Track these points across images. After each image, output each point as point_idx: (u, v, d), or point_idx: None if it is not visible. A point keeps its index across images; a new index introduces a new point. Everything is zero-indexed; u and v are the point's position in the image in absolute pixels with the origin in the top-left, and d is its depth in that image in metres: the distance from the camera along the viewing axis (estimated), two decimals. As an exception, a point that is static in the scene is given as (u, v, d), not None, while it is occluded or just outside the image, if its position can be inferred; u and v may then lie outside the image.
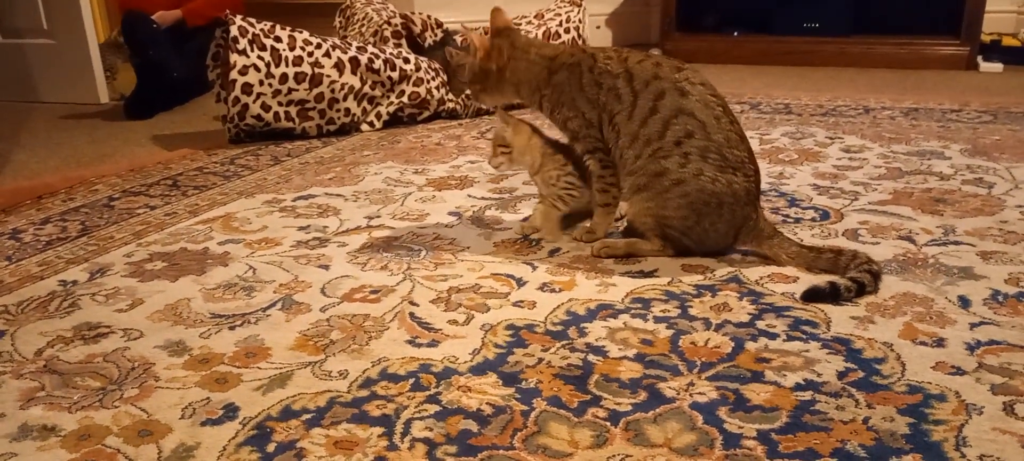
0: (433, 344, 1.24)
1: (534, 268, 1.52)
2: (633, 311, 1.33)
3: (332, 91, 2.68)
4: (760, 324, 1.27)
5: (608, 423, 1.02)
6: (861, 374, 1.11)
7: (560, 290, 1.42)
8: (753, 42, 4.21)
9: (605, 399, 1.07)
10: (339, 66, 2.68)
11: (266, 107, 2.59)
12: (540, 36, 3.11)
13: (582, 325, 1.28)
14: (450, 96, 2.91)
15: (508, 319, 1.31)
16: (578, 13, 3.30)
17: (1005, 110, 2.83)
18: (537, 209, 1.73)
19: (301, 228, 1.79)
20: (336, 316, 1.34)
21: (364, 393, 1.10)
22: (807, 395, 1.06)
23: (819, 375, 1.11)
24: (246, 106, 2.56)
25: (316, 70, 2.63)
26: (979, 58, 3.80)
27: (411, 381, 1.13)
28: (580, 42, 3.28)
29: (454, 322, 1.31)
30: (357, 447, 0.98)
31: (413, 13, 3.25)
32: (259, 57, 2.55)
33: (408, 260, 1.58)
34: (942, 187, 1.95)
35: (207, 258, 1.62)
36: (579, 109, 1.55)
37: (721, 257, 1.53)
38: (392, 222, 1.82)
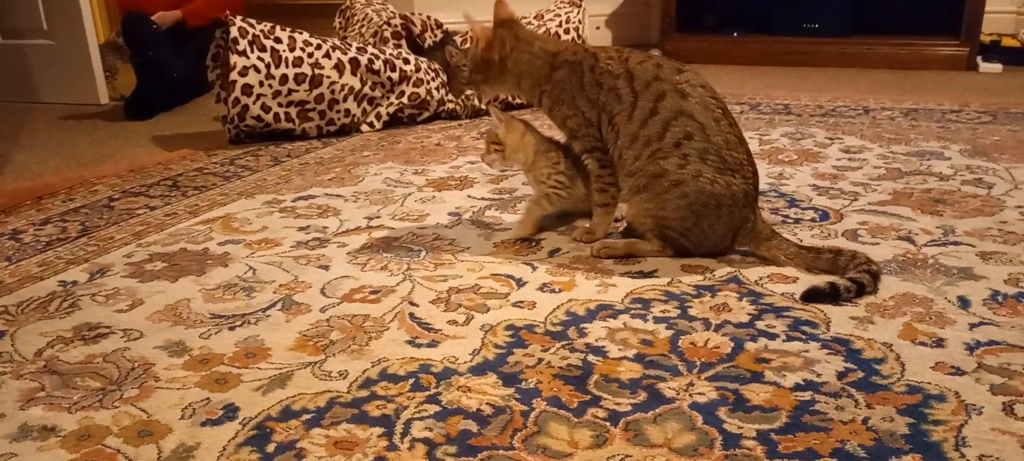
0: (433, 344, 1.24)
1: (534, 268, 1.52)
2: (633, 311, 1.33)
3: (332, 92, 2.68)
4: (760, 324, 1.27)
5: (608, 423, 1.02)
6: (861, 374, 1.11)
7: (560, 290, 1.42)
8: (753, 42, 4.20)
9: (605, 399, 1.07)
10: (339, 67, 2.68)
11: (266, 108, 2.59)
12: (540, 36, 3.11)
13: (582, 325, 1.28)
14: (450, 97, 2.91)
15: (508, 319, 1.31)
16: (578, 14, 3.29)
17: (1004, 110, 2.83)
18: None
19: (301, 229, 1.79)
20: (336, 316, 1.34)
21: (364, 393, 1.10)
22: (807, 395, 1.07)
23: (819, 375, 1.11)
24: (246, 107, 2.56)
25: (316, 71, 2.63)
26: (979, 59, 3.80)
27: (411, 381, 1.13)
28: (580, 43, 3.28)
29: (454, 322, 1.31)
30: (357, 447, 0.98)
31: (413, 14, 3.26)
32: (259, 58, 2.55)
33: (408, 260, 1.58)
34: (942, 188, 1.95)
35: (207, 259, 1.62)
36: (579, 107, 1.56)
37: (721, 257, 1.53)
38: (392, 222, 1.82)
